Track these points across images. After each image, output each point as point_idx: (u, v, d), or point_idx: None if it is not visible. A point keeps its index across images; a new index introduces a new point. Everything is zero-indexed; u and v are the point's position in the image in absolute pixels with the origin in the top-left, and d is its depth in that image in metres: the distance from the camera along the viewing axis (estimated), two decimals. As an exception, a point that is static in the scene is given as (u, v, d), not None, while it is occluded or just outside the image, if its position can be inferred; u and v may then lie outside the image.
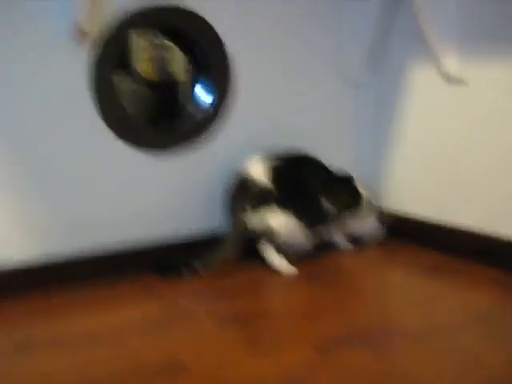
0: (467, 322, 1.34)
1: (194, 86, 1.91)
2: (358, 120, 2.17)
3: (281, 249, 1.78)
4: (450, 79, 1.78)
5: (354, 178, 1.98)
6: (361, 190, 1.97)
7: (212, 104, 1.88)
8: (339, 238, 1.99)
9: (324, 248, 1.93)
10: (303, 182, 1.85)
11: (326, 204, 1.85)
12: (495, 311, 1.40)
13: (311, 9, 2.02)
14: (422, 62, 1.89)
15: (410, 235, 1.99)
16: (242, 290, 1.63)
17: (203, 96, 1.89)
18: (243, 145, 1.93)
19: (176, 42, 1.91)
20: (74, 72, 1.67)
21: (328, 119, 2.13)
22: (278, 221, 1.76)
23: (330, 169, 1.93)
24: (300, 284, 1.67)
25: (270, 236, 1.77)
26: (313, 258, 1.85)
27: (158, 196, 1.85)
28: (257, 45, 1.95)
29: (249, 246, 1.79)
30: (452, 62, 1.76)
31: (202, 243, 1.82)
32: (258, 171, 1.80)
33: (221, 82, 1.89)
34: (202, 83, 1.90)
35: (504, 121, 1.66)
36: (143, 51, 1.90)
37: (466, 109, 1.77)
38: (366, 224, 2.01)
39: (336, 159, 1.98)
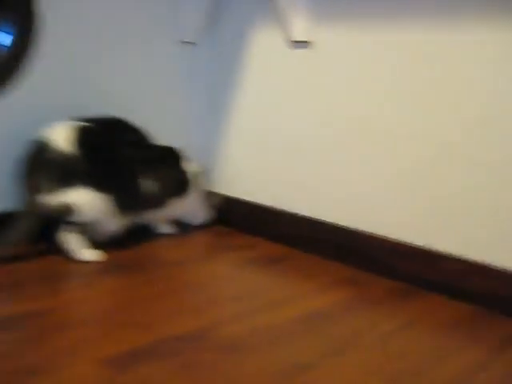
0: (291, 327, 1.16)
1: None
2: (191, 86, 1.92)
3: (85, 232, 1.47)
4: (296, 43, 1.60)
5: (182, 151, 1.73)
6: (189, 167, 1.73)
7: (9, 47, 1.50)
8: (160, 222, 1.74)
9: (141, 233, 1.66)
10: (118, 154, 1.54)
11: (146, 183, 1.58)
12: (329, 312, 1.23)
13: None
14: (265, 22, 1.69)
15: (244, 222, 1.80)
16: (28, 282, 1.31)
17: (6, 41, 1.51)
18: (47, 106, 1.57)
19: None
20: None
21: (154, 83, 1.83)
22: (82, 198, 1.44)
23: (153, 140, 1.65)
24: (105, 276, 1.38)
25: (71, 217, 1.44)
26: (126, 245, 1.58)
27: None
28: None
29: (48, 227, 1.46)
30: (300, 24, 1.57)
31: None
32: (62, 137, 1.45)
33: (22, 20, 1.51)
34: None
35: (356, 98, 1.51)
36: None
37: (312, 76, 1.60)
38: (192, 207, 1.77)
39: (164, 128, 1.73)
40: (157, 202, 1.63)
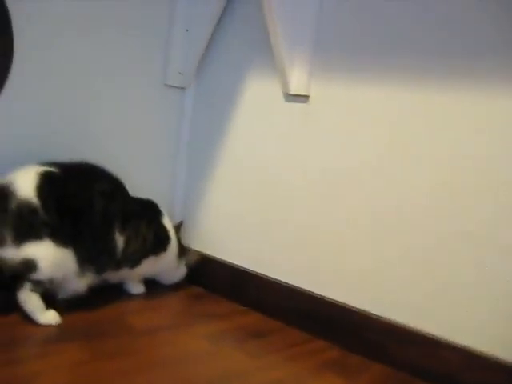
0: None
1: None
2: (176, 133, 1.78)
3: (46, 290, 1.29)
4: (293, 96, 1.48)
5: (159, 205, 1.57)
6: (167, 221, 1.57)
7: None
8: (130, 281, 1.57)
9: (108, 291, 1.49)
10: (89, 205, 1.36)
11: (120, 239, 1.41)
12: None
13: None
14: (260, 72, 1.57)
15: (220, 284, 1.64)
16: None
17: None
18: (13, 148, 1.42)
19: None
20: None
21: (134, 127, 1.69)
22: (44, 253, 1.26)
23: (128, 191, 1.49)
24: (64, 345, 1.20)
25: (28, 271, 1.26)
26: (90, 305, 1.40)
27: None
28: (53, 31, 1.47)
29: (5, 281, 1.27)
30: (299, 76, 1.44)
31: None
32: (25, 184, 1.28)
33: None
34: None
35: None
36: None
37: (308, 132, 1.48)
38: (168, 265, 1.60)
39: (141, 176, 1.61)
40: (132, 260, 1.47)
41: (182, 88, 1.75)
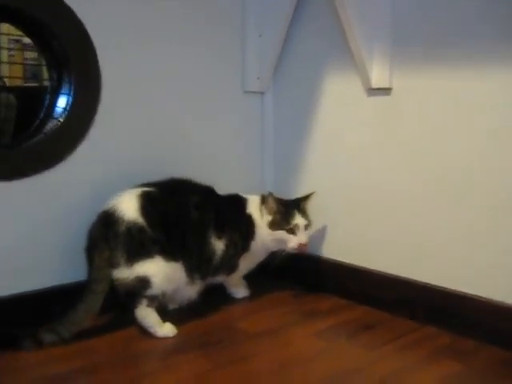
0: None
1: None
2: (259, 137, 1.84)
3: (157, 304, 1.37)
4: (375, 90, 1.49)
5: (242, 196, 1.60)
6: (253, 208, 1.57)
7: (68, 113, 1.43)
8: (233, 284, 1.62)
9: (214, 295, 1.54)
10: (186, 218, 1.43)
11: (217, 246, 1.47)
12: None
13: (209, 10, 1.67)
14: (339, 68, 1.58)
15: (319, 279, 1.66)
16: (102, 366, 1.20)
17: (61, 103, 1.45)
18: (110, 173, 1.50)
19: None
20: None
21: (222, 136, 1.75)
22: (156, 269, 1.34)
23: (217, 193, 1.54)
24: (185, 356, 1.26)
25: (143, 288, 1.33)
26: (200, 313, 1.47)
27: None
28: (136, 47, 1.54)
29: (118, 299, 1.36)
30: (380, 69, 1.45)
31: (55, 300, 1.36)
32: (128, 207, 1.36)
33: (83, 88, 1.45)
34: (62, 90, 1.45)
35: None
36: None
37: (391, 124, 1.48)
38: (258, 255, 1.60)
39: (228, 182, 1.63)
40: (229, 264, 1.52)
41: (261, 92, 1.79)
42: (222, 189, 1.54)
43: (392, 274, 1.50)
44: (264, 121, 1.82)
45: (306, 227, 1.53)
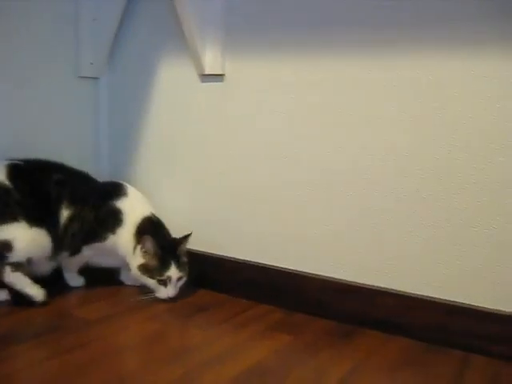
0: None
1: None
2: (94, 123, 1.80)
3: (23, 270, 1.38)
4: (208, 77, 1.52)
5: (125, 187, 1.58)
6: (126, 205, 1.54)
7: None
8: (71, 269, 1.57)
9: (49, 283, 1.47)
10: (47, 190, 1.44)
11: (64, 213, 1.46)
12: (271, 365, 1.13)
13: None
14: (173, 55, 1.60)
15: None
16: None
17: None
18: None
19: None
20: None
21: (54, 120, 1.69)
22: (18, 232, 1.35)
23: (88, 179, 1.56)
24: (14, 346, 1.19)
25: (6, 252, 1.34)
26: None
27: None
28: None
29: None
30: (213, 58, 1.49)
31: None
32: None
33: None
34: None
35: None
36: None
37: (222, 109, 1.52)
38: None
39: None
40: (73, 242, 1.48)
41: (96, 78, 1.75)
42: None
43: (228, 257, 1.54)
44: (100, 107, 1.78)
45: (179, 279, 1.47)
